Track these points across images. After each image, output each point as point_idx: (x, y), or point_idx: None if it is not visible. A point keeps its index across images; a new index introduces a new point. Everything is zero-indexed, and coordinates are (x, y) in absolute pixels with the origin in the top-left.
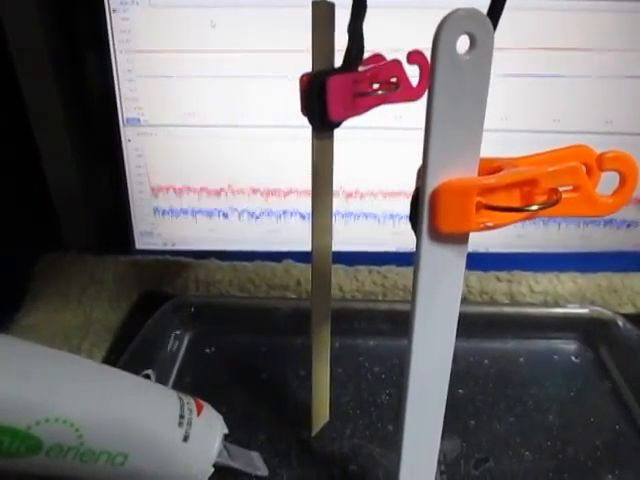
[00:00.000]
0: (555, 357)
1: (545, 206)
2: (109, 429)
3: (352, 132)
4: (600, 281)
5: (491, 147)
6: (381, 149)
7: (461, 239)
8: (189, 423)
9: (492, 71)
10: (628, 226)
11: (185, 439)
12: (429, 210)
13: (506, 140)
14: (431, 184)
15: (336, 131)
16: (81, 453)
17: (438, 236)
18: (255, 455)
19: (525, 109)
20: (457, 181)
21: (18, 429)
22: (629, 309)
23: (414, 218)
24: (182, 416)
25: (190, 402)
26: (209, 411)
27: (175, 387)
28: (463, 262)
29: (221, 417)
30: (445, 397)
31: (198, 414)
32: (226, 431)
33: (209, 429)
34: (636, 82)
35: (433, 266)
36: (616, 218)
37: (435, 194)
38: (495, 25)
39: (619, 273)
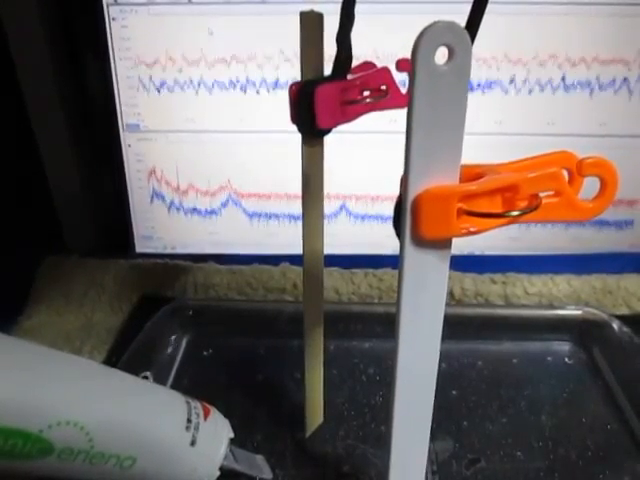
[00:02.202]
0: (548, 358)
1: (525, 211)
2: (119, 433)
3: (347, 136)
4: (595, 283)
5: (485, 150)
6: (377, 153)
7: (444, 244)
8: (196, 427)
9: (486, 75)
10: (622, 227)
11: (192, 443)
12: (411, 216)
13: (500, 143)
14: (413, 191)
15: (332, 135)
16: (91, 456)
17: (421, 241)
18: (259, 458)
19: (519, 112)
20: (438, 188)
21: (30, 432)
22: (624, 310)
23: (398, 224)
24: (189, 420)
25: (197, 406)
26: (216, 415)
27: (173, 389)
28: (446, 266)
29: (227, 421)
30: (432, 399)
31: (205, 418)
32: (232, 435)
33: (216, 433)
34: (629, 85)
35: (417, 271)
36: (610, 219)
37: (417, 201)
38: (473, 37)
39: (614, 275)
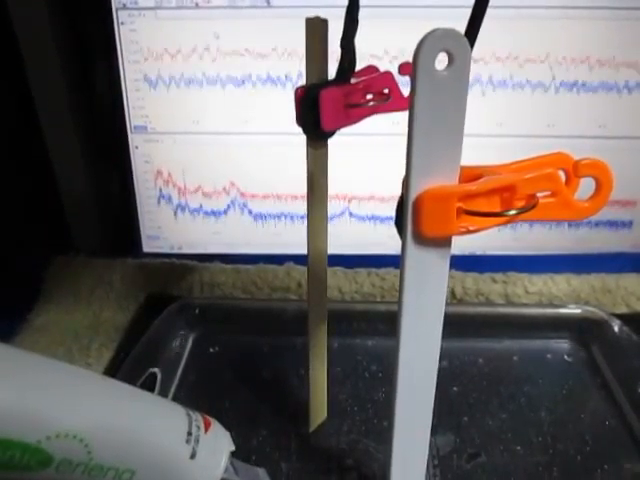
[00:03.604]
0: (548, 356)
1: (523, 211)
2: (117, 445)
3: (351, 138)
4: (594, 282)
5: (486, 152)
6: (379, 154)
7: (444, 242)
8: (196, 440)
9: (487, 78)
10: (621, 228)
11: (192, 456)
12: (413, 216)
13: (501, 145)
14: (414, 191)
15: (337, 137)
16: (90, 468)
17: (422, 240)
18: (261, 471)
19: (520, 115)
20: (439, 188)
21: (29, 443)
22: (623, 309)
23: (399, 223)
24: (190, 433)
25: (198, 419)
26: (216, 428)
27: (179, 385)
28: (447, 264)
29: (228, 434)
30: (433, 393)
31: (205, 431)
32: (233, 448)
33: (216, 446)
34: (629, 87)
35: (418, 268)
36: (609, 220)
37: (418, 201)
38: (472, 43)
39: (613, 274)
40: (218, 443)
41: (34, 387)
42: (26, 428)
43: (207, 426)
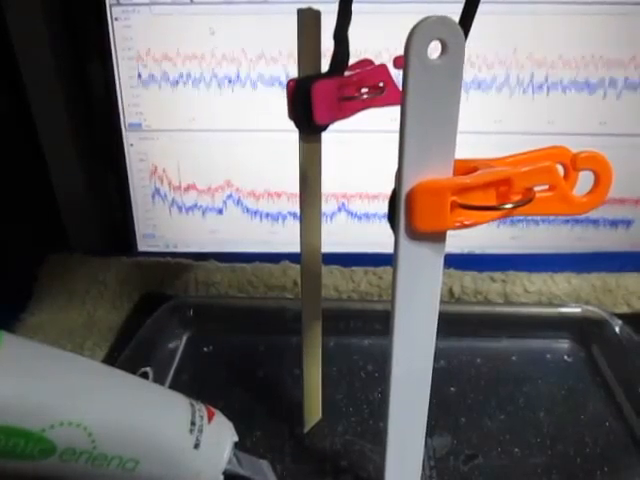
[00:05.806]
0: (548, 356)
1: (519, 204)
2: (121, 435)
3: (347, 135)
4: (594, 281)
5: (486, 149)
6: (377, 151)
7: (438, 237)
8: (200, 430)
9: (486, 75)
10: (622, 226)
11: (196, 446)
12: (405, 210)
13: (500, 142)
14: (407, 185)
15: (333, 134)
16: (93, 457)
17: (415, 235)
18: (265, 464)
19: (519, 111)
20: (432, 181)
21: (32, 432)
22: (624, 309)
23: (392, 218)
24: (193, 423)
25: (201, 409)
26: (220, 418)
27: (173, 384)
28: (441, 260)
29: (232, 424)
30: (428, 394)
31: (209, 421)
32: (236, 439)
33: (220, 436)
34: (629, 84)
35: (411, 264)
36: (610, 218)
37: (411, 194)
38: (467, 32)
39: (613, 273)
40: (222, 433)
41: (39, 376)
42: (30, 416)
43: (210, 416)
